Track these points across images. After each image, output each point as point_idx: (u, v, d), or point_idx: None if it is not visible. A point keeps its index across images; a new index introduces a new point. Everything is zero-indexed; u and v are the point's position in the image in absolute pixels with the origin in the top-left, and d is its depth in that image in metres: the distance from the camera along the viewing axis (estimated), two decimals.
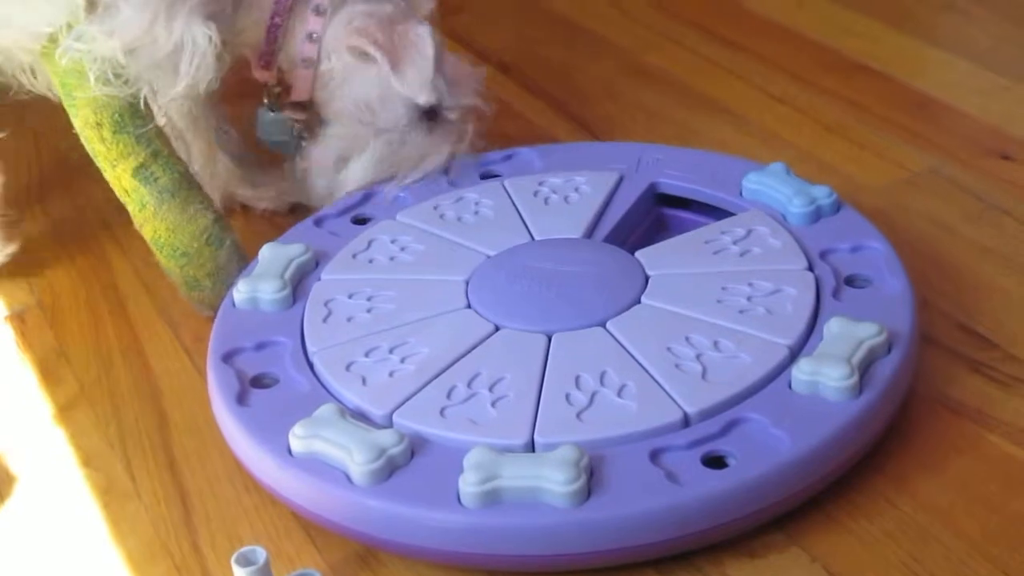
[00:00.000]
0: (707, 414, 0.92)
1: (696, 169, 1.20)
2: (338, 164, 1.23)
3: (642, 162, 1.22)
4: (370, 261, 1.12)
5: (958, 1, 1.67)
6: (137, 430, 1.06)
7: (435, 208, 1.18)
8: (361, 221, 1.19)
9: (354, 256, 1.12)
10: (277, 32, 1.18)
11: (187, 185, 1.15)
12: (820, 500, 0.91)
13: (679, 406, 0.92)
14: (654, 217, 1.20)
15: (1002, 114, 1.39)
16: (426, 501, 0.87)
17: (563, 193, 1.18)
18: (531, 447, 0.91)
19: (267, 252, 1.12)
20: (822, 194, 1.12)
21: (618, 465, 0.88)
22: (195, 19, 1.10)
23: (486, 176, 1.24)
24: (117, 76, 1.10)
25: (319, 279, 1.10)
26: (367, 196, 1.22)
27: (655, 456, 0.89)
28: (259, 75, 1.22)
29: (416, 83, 1.17)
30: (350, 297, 1.07)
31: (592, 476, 0.87)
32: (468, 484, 0.86)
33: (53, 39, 1.11)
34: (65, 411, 1.09)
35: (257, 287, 1.07)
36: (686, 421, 0.92)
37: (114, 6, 1.09)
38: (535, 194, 1.18)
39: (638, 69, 1.57)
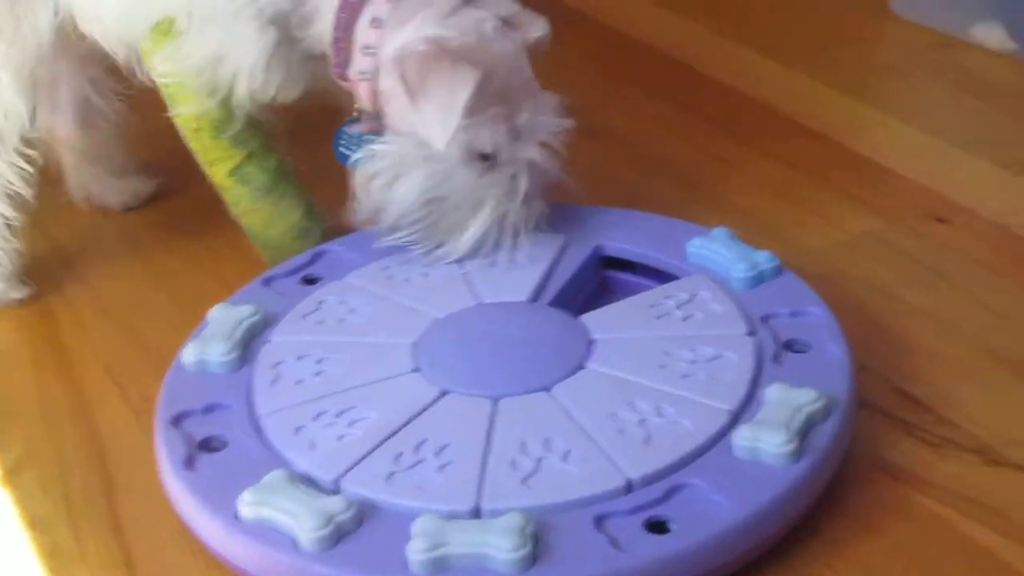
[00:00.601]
0: (649, 479, 0.94)
1: (642, 232, 1.22)
2: (382, 182, 1.17)
3: (587, 224, 1.24)
4: (320, 323, 1.13)
5: (898, 64, 1.71)
6: (84, 493, 1.06)
7: (384, 269, 1.19)
8: (311, 281, 1.20)
9: (304, 317, 1.14)
10: (339, 44, 1.17)
11: (280, 181, 1.25)
12: (759, 564, 0.93)
13: (622, 472, 0.94)
14: (599, 279, 1.22)
15: (938, 176, 1.42)
16: (375, 568, 0.88)
17: (509, 255, 1.20)
18: (477, 513, 0.92)
19: (216, 314, 1.13)
20: (764, 259, 1.15)
21: (563, 531, 0.90)
22: (254, 27, 1.16)
23: None
24: (209, 87, 1.19)
25: (268, 341, 1.11)
26: (316, 256, 1.23)
27: (599, 522, 0.91)
28: (342, 84, 1.21)
29: (435, 128, 1.12)
30: (299, 359, 1.08)
31: (537, 543, 0.88)
32: (416, 552, 0.87)
33: (154, 40, 1.20)
34: (11, 473, 1.09)
35: (205, 350, 1.08)
36: (629, 487, 0.93)
37: (191, 26, 1.17)
38: (482, 256, 1.20)
39: (584, 128, 1.59)
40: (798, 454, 0.94)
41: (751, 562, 0.92)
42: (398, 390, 1.04)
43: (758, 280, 1.14)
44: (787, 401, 0.98)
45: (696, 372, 1.03)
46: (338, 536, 0.90)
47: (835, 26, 1.85)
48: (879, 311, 1.21)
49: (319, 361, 1.08)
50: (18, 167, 1.26)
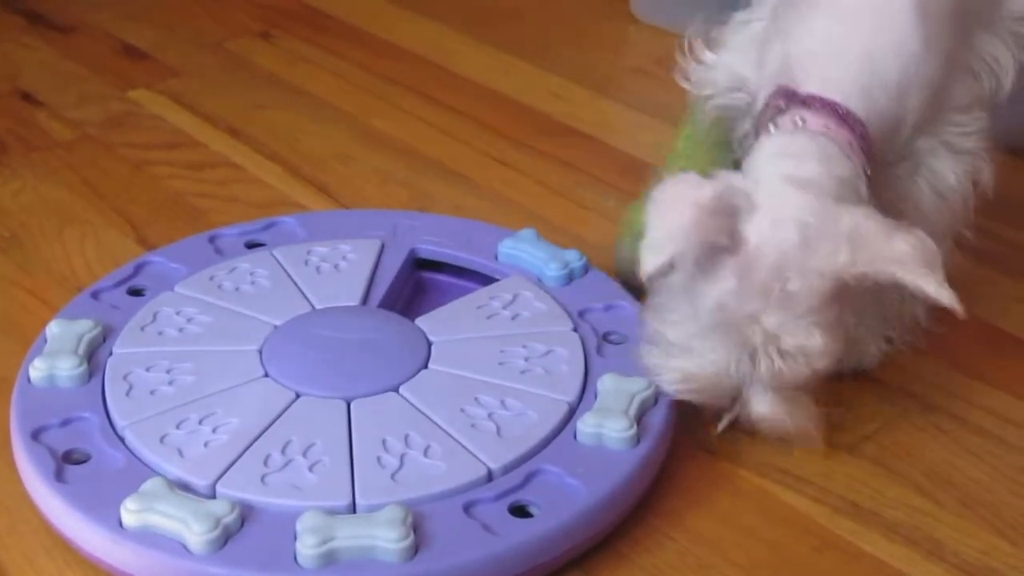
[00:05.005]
0: (508, 468, 1.02)
1: (451, 235, 1.30)
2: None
3: (398, 229, 1.31)
4: (160, 333, 1.16)
5: (646, 66, 1.83)
6: None
7: (211, 279, 1.23)
8: (136, 292, 1.23)
9: (142, 329, 1.17)
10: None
11: None
12: (609, 540, 1.03)
13: (482, 462, 1.02)
14: (415, 281, 1.29)
15: None
16: (265, 566, 0.94)
17: (332, 261, 1.26)
18: (353, 509, 0.98)
19: (56, 328, 1.15)
20: (573, 257, 1.24)
21: (437, 520, 0.97)
22: None
23: (251, 245, 1.31)
24: None
25: (111, 353, 1.14)
26: (138, 267, 1.26)
27: (468, 509, 0.98)
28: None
29: None
30: (148, 370, 1.11)
31: (416, 532, 0.95)
32: (306, 547, 0.93)
33: None
34: None
35: (54, 364, 1.10)
36: (490, 476, 1.01)
37: None
38: (306, 263, 1.26)
39: (366, 133, 1.65)
40: (637, 438, 1.04)
41: (603, 538, 1.02)
42: (253, 395, 1.09)
43: (569, 278, 1.23)
44: (621, 390, 1.08)
45: (532, 367, 1.12)
46: (225, 538, 0.95)
47: (581, 30, 1.96)
48: None
49: (169, 371, 1.11)
50: None
